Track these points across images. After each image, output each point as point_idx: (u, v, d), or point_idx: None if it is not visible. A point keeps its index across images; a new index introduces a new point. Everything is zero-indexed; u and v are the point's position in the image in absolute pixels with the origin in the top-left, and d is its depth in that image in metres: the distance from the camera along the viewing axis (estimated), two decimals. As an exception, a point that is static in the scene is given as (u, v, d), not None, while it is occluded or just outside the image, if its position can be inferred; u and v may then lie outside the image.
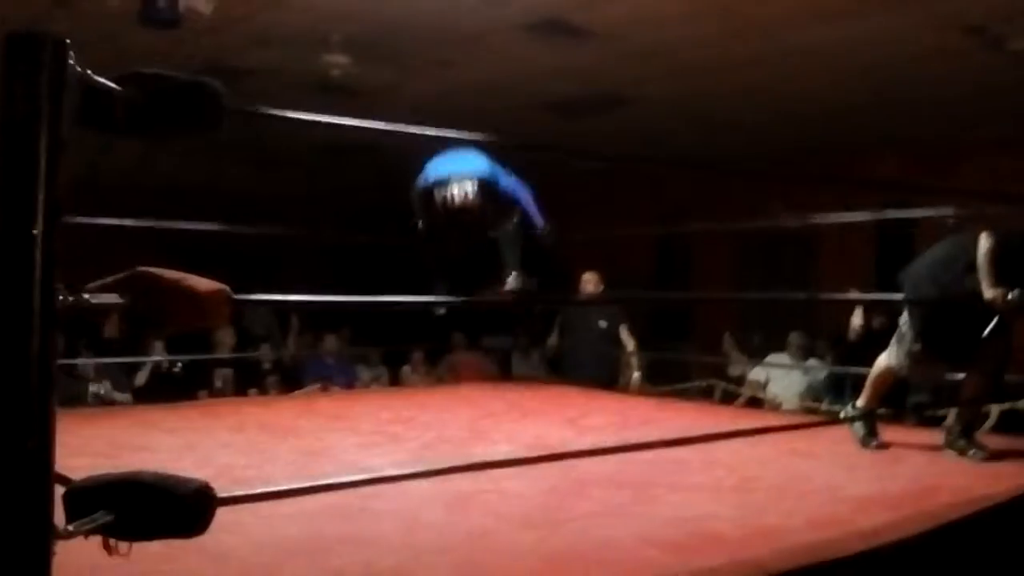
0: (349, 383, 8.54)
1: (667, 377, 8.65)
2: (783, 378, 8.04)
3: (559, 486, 3.36)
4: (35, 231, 1.42)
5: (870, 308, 7.60)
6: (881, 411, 4.67)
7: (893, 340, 4.52)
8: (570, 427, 5.07)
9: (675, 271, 11.53)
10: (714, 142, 9.24)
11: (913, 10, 5.83)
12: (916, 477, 3.73)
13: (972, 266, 4.11)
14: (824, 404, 7.62)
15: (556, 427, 5.07)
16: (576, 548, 2.60)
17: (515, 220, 5.44)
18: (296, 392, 7.84)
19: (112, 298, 1.68)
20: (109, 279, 1.73)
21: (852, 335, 7.61)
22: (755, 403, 7.96)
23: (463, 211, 5.55)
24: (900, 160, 9.19)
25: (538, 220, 5.39)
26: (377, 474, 2.35)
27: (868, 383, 4.56)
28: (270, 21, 6.22)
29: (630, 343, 7.28)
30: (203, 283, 1.79)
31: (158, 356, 7.35)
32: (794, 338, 8.13)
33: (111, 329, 1.72)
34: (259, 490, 1.96)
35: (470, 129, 2.45)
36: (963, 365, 4.36)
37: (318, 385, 8.11)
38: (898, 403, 5.60)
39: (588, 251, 8.78)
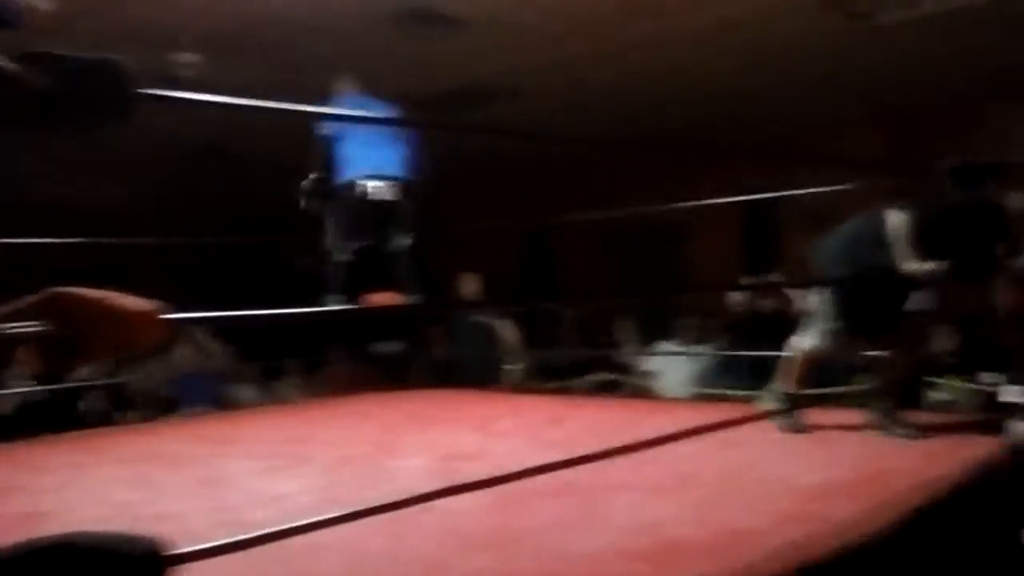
0: (221, 403, 8.10)
1: (548, 373, 8.51)
2: (672, 366, 7.99)
3: (499, 500, 3.12)
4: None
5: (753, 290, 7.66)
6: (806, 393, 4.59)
7: (807, 321, 4.46)
8: (480, 433, 4.83)
9: (541, 265, 11.43)
10: (596, 130, 9.13)
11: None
12: (859, 461, 3.64)
13: (881, 242, 4.07)
14: (717, 389, 7.58)
15: (466, 434, 4.82)
16: (546, 566, 2.38)
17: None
18: (168, 417, 7.37)
19: (31, 326, 1.37)
20: (19, 304, 1.42)
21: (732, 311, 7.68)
22: (642, 392, 7.90)
23: (383, 206, 5.43)
24: (774, 140, 9.31)
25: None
26: (326, 516, 2.05)
27: (786, 366, 4.46)
28: (114, 18, 5.77)
29: (510, 337, 7.12)
30: (130, 301, 1.50)
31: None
32: (682, 323, 8.09)
33: (26, 362, 1.39)
34: (210, 544, 1.66)
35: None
36: (883, 341, 4.32)
37: (190, 409, 7.65)
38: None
39: (455, 250, 8.58)
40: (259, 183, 10.77)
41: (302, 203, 5.66)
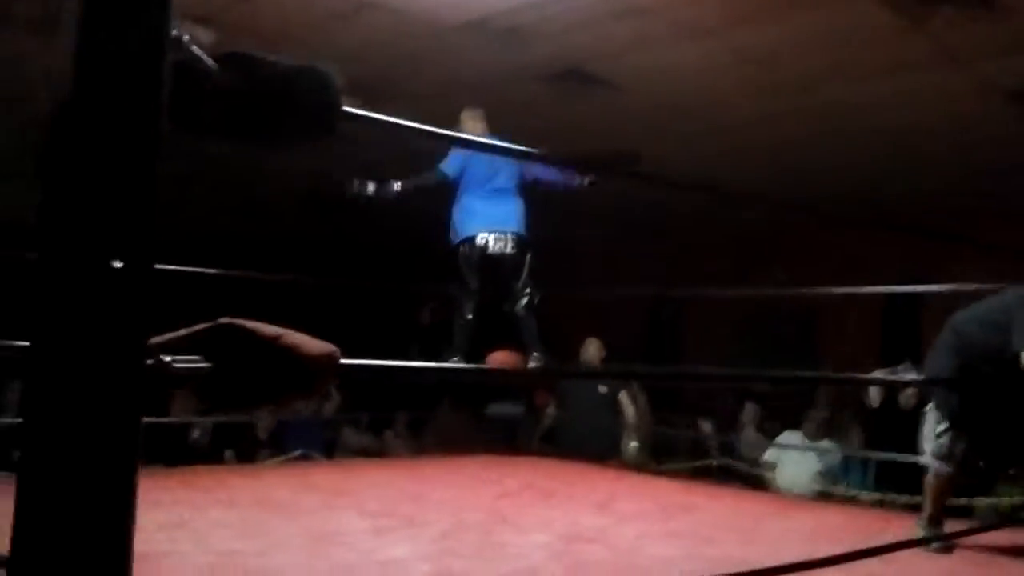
0: (330, 451, 7.96)
1: (663, 451, 8.15)
2: (795, 459, 7.56)
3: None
4: (116, 264, 0.91)
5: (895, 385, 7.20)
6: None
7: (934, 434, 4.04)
8: (603, 513, 4.54)
9: (665, 340, 11.08)
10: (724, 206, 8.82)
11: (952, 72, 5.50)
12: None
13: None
14: (843, 488, 7.13)
15: (587, 513, 4.54)
16: None
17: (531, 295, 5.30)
18: (275, 460, 7.24)
19: (193, 361, 1.16)
20: (180, 334, 1.21)
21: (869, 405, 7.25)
22: (759, 483, 7.49)
23: (503, 261, 5.32)
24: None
25: (572, 182, 5.49)
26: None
27: (927, 488, 4.07)
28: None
29: (630, 411, 6.81)
30: (310, 343, 1.28)
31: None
32: (812, 415, 7.64)
33: (185, 404, 1.18)
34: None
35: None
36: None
37: (298, 452, 7.52)
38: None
39: (579, 317, 8.35)
40: (389, 231, 10.79)
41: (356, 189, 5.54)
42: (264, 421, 7.48)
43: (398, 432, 8.58)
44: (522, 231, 5.40)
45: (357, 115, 1.35)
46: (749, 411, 8.32)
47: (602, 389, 6.85)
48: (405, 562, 3.40)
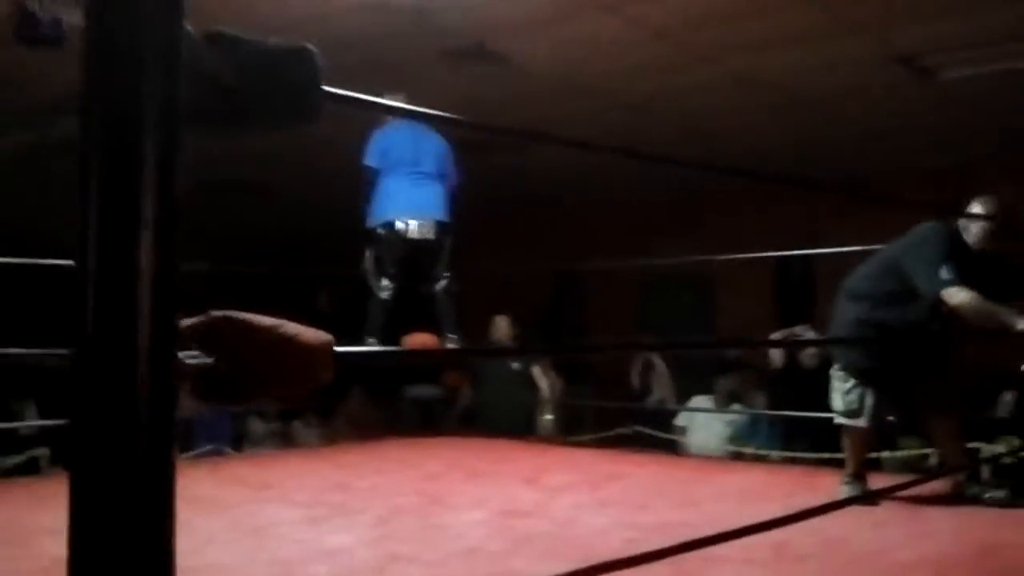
0: (237, 443, 7.80)
1: (575, 423, 8.21)
2: (705, 422, 7.73)
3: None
4: (141, 264, 0.86)
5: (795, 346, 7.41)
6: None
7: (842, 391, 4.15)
8: (533, 487, 4.55)
9: (570, 312, 11.16)
10: (636, 179, 8.90)
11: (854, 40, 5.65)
12: (959, 533, 3.38)
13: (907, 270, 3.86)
14: (752, 449, 7.31)
15: (518, 488, 4.54)
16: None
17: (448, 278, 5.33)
18: (185, 455, 7.06)
19: (194, 356, 1.11)
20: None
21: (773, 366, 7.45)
22: (671, 448, 7.62)
23: (422, 245, 5.29)
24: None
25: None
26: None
27: (846, 448, 4.19)
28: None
29: (544, 384, 6.86)
30: (308, 332, 1.23)
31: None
32: (722, 383, 7.81)
33: (184, 401, 1.13)
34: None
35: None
36: (924, 396, 4.06)
37: (208, 447, 7.35)
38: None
39: (483, 295, 8.35)
40: (284, 219, 10.60)
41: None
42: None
43: (307, 420, 8.46)
44: (443, 217, 5.38)
45: (341, 96, 1.30)
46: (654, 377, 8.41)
47: (515, 365, 6.88)
48: (348, 550, 3.35)
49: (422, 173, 5.38)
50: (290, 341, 1.20)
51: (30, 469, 6.45)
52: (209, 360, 1.13)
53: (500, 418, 6.81)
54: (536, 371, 6.89)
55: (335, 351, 1.27)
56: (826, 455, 6.30)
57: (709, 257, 8.17)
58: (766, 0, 5.11)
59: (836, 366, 4.19)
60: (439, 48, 5.78)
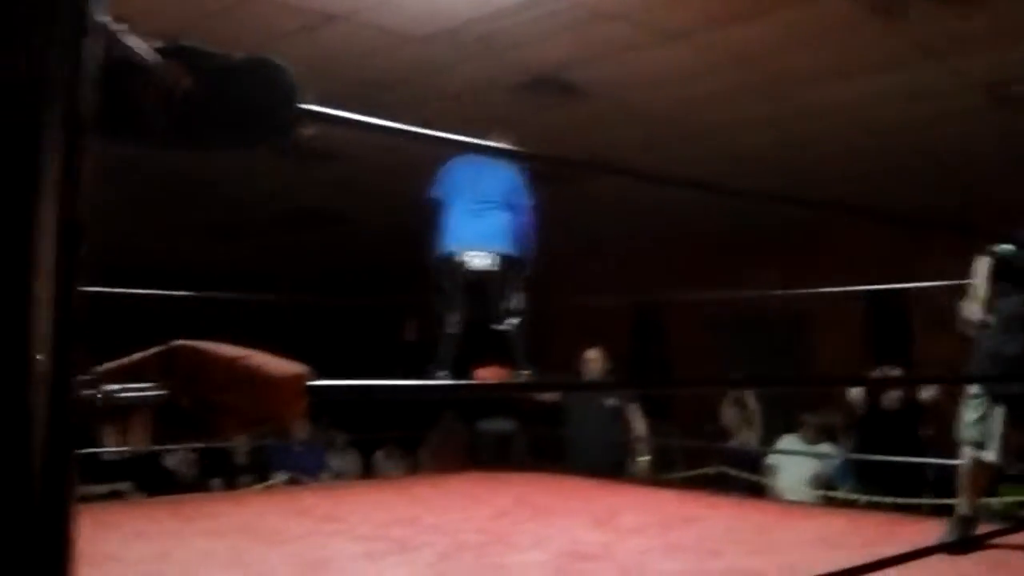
0: (316, 473, 7.79)
1: (663, 463, 8.00)
2: (793, 464, 7.44)
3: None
4: (35, 290, 0.78)
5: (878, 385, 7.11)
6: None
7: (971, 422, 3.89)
8: (602, 528, 4.39)
9: (652, 347, 10.93)
10: (704, 212, 8.69)
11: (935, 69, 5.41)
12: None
13: None
14: (842, 492, 7.02)
15: (586, 529, 4.39)
16: None
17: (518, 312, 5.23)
18: (261, 485, 7.09)
19: (144, 388, 1.03)
20: (134, 357, 1.08)
21: (858, 410, 7.14)
22: (758, 491, 7.37)
23: (484, 278, 5.20)
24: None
25: (528, 247, 5.39)
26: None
27: (964, 481, 3.91)
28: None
29: (639, 424, 6.64)
30: (274, 363, 1.15)
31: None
32: (809, 418, 7.51)
33: (136, 435, 1.06)
34: None
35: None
36: None
37: (285, 476, 7.36)
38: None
39: (562, 327, 8.21)
40: (368, 250, 10.66)
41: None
42: (243, 445, 7.31)
43: (388, 452, 8.42)
44: (507, 249, 5.26)
45: (316, 113, 1.22)
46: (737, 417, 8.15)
47: (610, 402, 6.64)
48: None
49: (484, 204, 5.28)
50: (253, 373, 1.12)
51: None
52: (157, 394, 1.06)
53: (590, 456, 6.58)
54: (632, 409, 6.66)
55: (311, 385, 1.18)
56: (908, 500, 6.06)
57: (794, 292, 7.95)
58: (841, 29, 4.92)
59: (972, 391, 3.92)
60: (508, 79, 5.72)
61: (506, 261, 5.25)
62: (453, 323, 5.29)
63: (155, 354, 1.09)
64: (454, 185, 5.30)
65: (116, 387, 0.99)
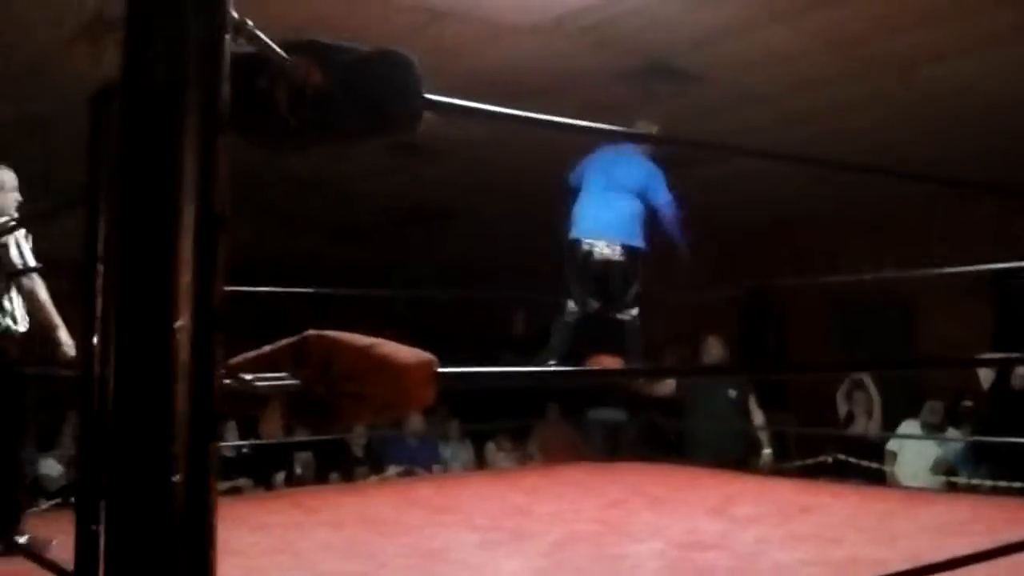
0: (430, 464, 7.88)
1: (779, 452, 7.85)
2: (915, 450, 7.25)
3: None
4: (182, 279, 0.80)
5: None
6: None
7: None
8: (720, 518, 4.35)
9: (765, 334, 10.72)
10: (812, 194, 8.49)
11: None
12: None
13: None
14: (963, 479, 6.81)
15: (703, 518, 4.35)
16: None
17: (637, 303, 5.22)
18: (377, 476, 7.22)
19: (279, 378, 1.05)
20: (266, 349, 1.10)
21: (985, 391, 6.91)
22: (877, 478, 7.20)
23: (608, 267, 5.20)
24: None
25: (678, 239, 5.37)
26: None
27: None
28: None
29: (759, 415, 6.53)
30: (404, 352, 1.16)
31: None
32: (930, 406, 7.30)
33: (270, 424, 1.07)
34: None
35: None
36: None
37: (400, 468, 7.48)
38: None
39: (670, 317, 8.10)
40: (476, 244, 10.75)
41: None
42: (359, 438, 7.43)
43: (500, 444, 8.47)
44: (631, 239, 5.24)
45: (440, 103, 1.23)
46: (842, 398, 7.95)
47: (731, 393, 6.55)
48: (519, 574, 3.28)
49: (615, 192, 5.27)
50: (385, 361, 1.13)
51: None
52: (298, 382, 1.08)
53: (712, 449, 6.49)
54: (752, 400, 6.56)
55: (438, 372, 1.20)
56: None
57: (906, 274, 7.73)
58: (949, 5, 4.75)
59: None
60: (617, 67, 5.67)
61: (629, 251, 5.24)
62: (571, 312, 5.30)
63: (288, 345, 1.11)
64: (590, 172, 5.33)
65: (252, 377, 1.01)
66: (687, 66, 5.65)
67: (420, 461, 7.74)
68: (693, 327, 7.96)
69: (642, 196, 5.28)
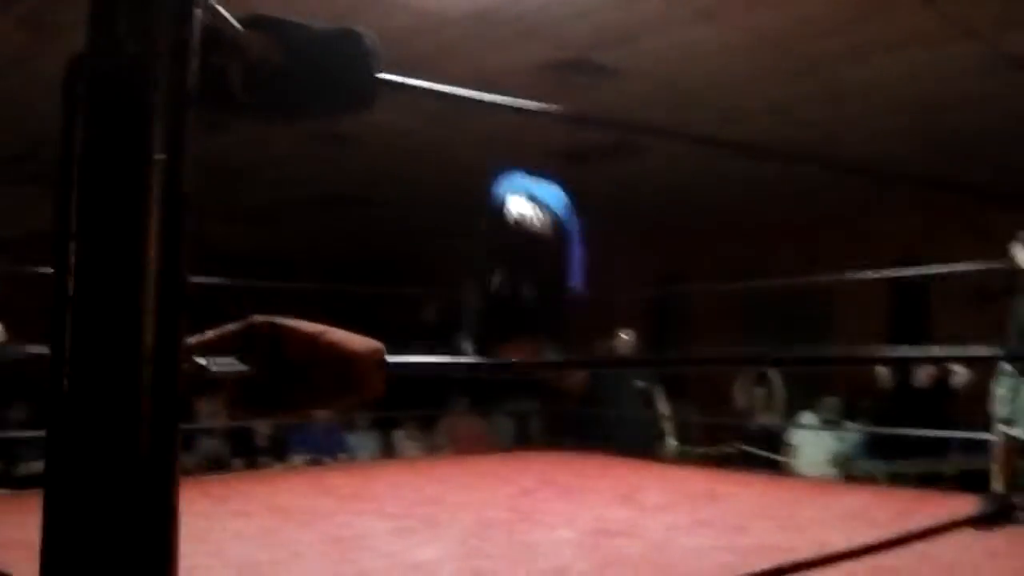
0: (336, 453, 7.82)
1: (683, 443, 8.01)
2: (814, 442, 7.47)
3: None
4: (148, 262, 0.79)
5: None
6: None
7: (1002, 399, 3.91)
8: (628, 505, 4.43)
9: (675, 327, 10.91)
10: (736, 193, 8.67)
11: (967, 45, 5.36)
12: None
13: None
14: (861, 470, 7.05)
15: (612, 506, 4.42)
16: None
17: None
18: (281, 465, 7.14)
19: (230, 363, 1.04)
20: (209, 334, 1.09)
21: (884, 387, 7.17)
22: (775, 464, 7.42)
23: (537, 240, 5.14)
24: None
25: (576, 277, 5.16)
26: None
27: (996, 461, 3.93)
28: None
29: (665, 406, 6.66)
30: (355, 339, 1.16)
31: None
32: (826, 402, 7.55)
33: (209, 409, 1.05)
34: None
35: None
36: None
37: (306, 457, 7.41)
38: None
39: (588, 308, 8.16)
40: (387, 231, 10.69)
41: None
42: (263, 428, 7.35)
43: (408, 433, 8.45)
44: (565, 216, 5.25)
45: (395, 83, 1.22)
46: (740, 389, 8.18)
47: (639, 384, 6.64)
48: (433, 564, 3.29)
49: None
50: (334, 348, 1.12)
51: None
52: (245, 368, 1.06)
53: (620, 437, 6.58)
54: (659, 392, 6.68)
55: (388, 361, 1.19)
56: (931, 472, 6.08)
57: (814, 279, 7.96)
58: (868, 5, 4.88)
59: (1008, 369, 3.92)
60: (542, 59, 5.69)
61: (556, 224, 5.21)
62: (484, 293, 5.28)
63: (232, 330, 1.09)
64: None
65: (206, 361, 1.00)
66: (611, 61, 5.70)
67: (326, 450, 7.67)
68: (609, 323, 8.08)
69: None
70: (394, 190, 8.86)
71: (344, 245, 11.21)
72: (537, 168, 5.43)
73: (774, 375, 7.79)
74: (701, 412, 8.80)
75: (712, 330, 10.39)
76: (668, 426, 6.68)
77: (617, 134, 6.98)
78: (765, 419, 7.85)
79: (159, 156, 0.79)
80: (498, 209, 5.15)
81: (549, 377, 6.46)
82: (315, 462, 7.25)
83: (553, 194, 5.19)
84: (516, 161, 6.41)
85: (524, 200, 5.09)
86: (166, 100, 0.79)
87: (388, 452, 8.25)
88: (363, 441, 8.25)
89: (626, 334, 6.86)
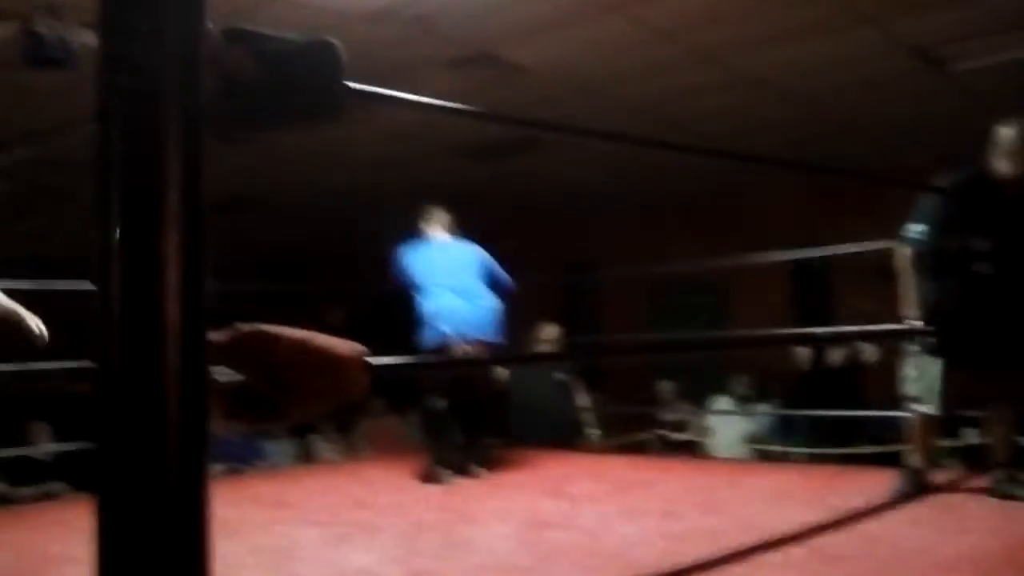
0: (253, 461, 7.70)
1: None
2: (726, 424, 7.66)
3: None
4: (167, 278, 0.79)
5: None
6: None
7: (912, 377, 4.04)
8: (559, 497, 4.47)
9: (583, 318, 11.03)
10: (637, 183, 8.81)
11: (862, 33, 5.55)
12: (999, 531, 3.30)
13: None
14: (776, 448, 7.26)
15: (543, 498, 4.46)
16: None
17: None
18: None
19: (227, 373, 1.04)
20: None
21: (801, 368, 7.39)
22: (692, 449, 7.60)
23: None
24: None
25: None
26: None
27: (912, 436, 4.05)
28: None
29: (585, 398, 6.73)
30: (340, 344, 1.17)
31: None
32: (737, 383, 7.75)
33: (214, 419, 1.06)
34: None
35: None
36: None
37: (223, 466, 7.27)
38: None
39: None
40: (288, 234, 10.56)
41: None
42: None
43: (326, 435, 8.37)
44: (494, 338, 5.19)
45: (363, 91, 1.23)
46: (666, 388, 8.38)
47: (558, 376, 6.69)
48: (374, 569, 3.28)
49: (470, 293, 5.19)
50: (323, 353, 1.13)
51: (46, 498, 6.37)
52: (239, 377, 1.06)
53: (540, 430, 6.61)
54: (574, 381, 6.74)
55: (371, 363, 1.20)
56: (853, 452, 6.28)
57: (717, 263, 8.14)
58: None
59: (914, 349, 4.03)
60: (446, 56, 5.70)
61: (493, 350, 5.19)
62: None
63: (224, 337, 1.09)
64: (425, 271, 5.24)
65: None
66: (515, 57, 5.74)
67: (244, 458, 7.55)
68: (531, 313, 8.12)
69: (488, 282, 5.28)
70: (297, 191, 8.77)
71: (248, 248, 11.04)
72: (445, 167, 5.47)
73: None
74: (614, 401, 8.93)
75: (620, 318, 10.56)
76: (589, 417, 6.74)
77: (522, 130, 7.03)
78: (681, 406, 8.02)
79: (176, 170, 0.79)
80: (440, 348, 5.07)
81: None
82: (233, 471, 7.12)
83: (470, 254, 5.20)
84: (423, 159, 6.47)
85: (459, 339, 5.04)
86: (181, 118, 0.79)
87: (307, 458, 8.17)
88: (281, 448, 8.15)
89: (552, 327, 6.91)
